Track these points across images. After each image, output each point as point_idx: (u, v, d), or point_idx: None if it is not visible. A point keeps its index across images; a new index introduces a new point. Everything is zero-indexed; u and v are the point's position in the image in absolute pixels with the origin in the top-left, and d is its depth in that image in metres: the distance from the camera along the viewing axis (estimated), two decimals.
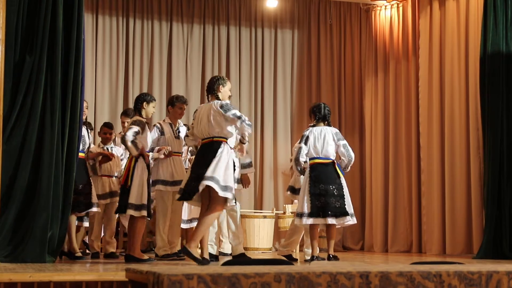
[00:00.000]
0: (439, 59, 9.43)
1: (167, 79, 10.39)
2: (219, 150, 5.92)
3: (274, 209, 9.99)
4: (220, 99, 6.12)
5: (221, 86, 6.19)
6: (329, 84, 10.86)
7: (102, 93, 10.02)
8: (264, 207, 10.40)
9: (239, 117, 5.93)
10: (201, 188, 5.81)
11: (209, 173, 5.80)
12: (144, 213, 6.41)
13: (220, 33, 10.66)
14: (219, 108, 5.98)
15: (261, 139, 10.69)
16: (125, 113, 8.14)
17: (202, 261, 5.85)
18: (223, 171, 5.85)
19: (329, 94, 10.80)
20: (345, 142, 6.88)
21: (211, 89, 6.19)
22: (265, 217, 9.48)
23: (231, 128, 6.03)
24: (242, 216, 9.34)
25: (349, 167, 6.90)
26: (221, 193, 5.80)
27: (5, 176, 5.74)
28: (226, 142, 6.05)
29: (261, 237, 9.39)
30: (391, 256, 8.93)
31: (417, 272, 3.03)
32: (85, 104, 7.05)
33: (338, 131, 6.97)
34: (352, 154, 6.85)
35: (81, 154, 6.88)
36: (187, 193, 5.96)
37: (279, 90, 10.85)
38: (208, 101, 6.23)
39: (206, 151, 5.97)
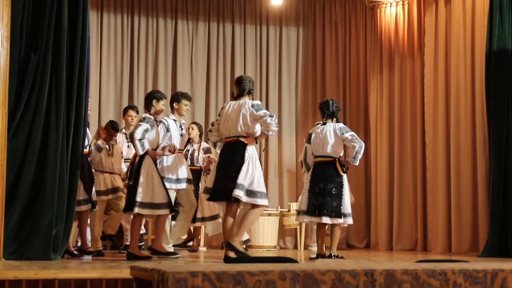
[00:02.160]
0: (445, 56, 9.41)
1: (172, 76, 10.39)
2: (246, 152, 6.00)
3: (279, 206, 9.98)
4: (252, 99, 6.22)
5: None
6: (334, 82, 10.85)
7: (107, 91, 10.03)
8: (269, 204, 10.39)
9: (271, 115, 6.03)
10: (234, 196, 5.90)
11: (240, 180, 5.90)
12: (160, 212, 6.38)
13: (225, 30, 10.66)
14: (250, 107, 6.07)
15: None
16: (131, 108, 8.11)
17: (244, 254, 5.94)
18: (251, 175, 5.97)
19: (334, 91, 10.79)
20: (351, 133, 6.76)
21: (247, 89, 6.23)
22: (269, 214, 9.46)
23: (258, 127, 6.10)
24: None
25: (357, 157, 6.69)
26: (247, 200, 5.95)
27: (10, 173, 5.74)
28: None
29: (265, 235, 9.38)
30: (396, 254, 8.92)
31: (422, 270, 3.02)
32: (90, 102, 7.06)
33: (343, 126, 6.89)
34: (359, 143, 6.67)
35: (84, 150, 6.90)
36: (217, 194, 6.08)
37: (284, 88, 10.85)
38: (235, 99, 6.27)
39: (233, 151, 6.05)
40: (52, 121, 5.91)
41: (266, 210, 9.90)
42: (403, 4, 10.23)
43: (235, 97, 6.28)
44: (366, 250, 10.11)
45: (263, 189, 6.07)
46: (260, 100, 10.75)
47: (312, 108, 10.83)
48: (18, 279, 4.25)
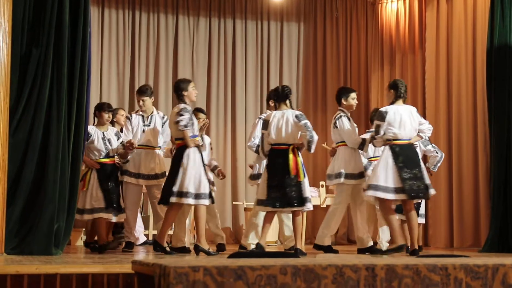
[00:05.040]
0: (446, 52, 9.39)
1: (173, 72, 10.39)
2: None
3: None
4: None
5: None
6: (335, 77, 10.84)
7: (108, 87, 10.02)
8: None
9: (308, 128, 6.53)
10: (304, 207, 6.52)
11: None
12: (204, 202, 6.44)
13: (226, 26, 10.65)
14: (295, 118, 6.61)
15: None
16: (140, 91, 7.55)
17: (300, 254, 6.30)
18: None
19: (335, 87, 10.74)
20: (432, 145, 7.61)
21: (284, 97, 6.83)
22: None
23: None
24: (247, 209, 9.34)
25: (437, 165, 7.71)
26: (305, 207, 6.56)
27: (12, 168, 5.75)
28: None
29: None
30: None
31: (423, 265, 3.02)
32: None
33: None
34: (441, 153, 7.57)
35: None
36: (286, 202, 6.53)
37: (285, 83, 10.82)
38: (276, 108, 6.90)
39: (286, 159, 6.56)
40: (54, 116, 5.92)
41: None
42: (404, 0, 10.21)
43: None
44: None
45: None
46: (261, 95, 10.76)
47: (313, 103, 10.82)
48: (20, 274, 4.26)
